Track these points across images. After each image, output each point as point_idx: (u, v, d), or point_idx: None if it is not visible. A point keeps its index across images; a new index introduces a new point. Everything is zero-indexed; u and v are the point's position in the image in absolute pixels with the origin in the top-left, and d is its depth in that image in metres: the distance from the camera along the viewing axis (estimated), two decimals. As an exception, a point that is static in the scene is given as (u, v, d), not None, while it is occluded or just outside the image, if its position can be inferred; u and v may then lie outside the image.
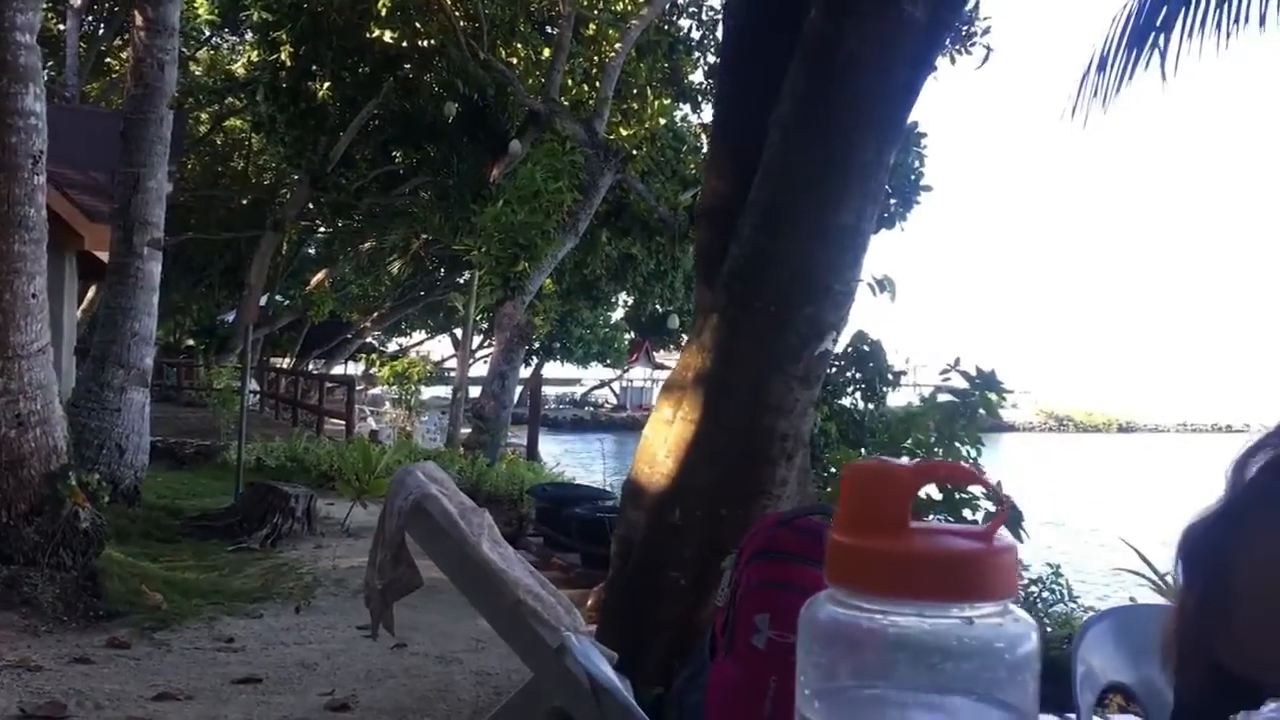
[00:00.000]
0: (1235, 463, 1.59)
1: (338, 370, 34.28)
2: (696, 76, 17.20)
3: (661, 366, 37.63)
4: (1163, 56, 4.66)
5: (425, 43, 15.87)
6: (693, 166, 16.39)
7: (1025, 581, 5.51)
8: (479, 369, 23.73)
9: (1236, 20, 4.63)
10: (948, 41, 10.79)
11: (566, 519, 7.75)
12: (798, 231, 4.00)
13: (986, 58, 9.90)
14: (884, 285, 5.15)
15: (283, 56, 15.70)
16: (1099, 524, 15.49)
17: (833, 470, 5.06)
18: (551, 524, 8.17)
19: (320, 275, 25.82)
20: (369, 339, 34.91)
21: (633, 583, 4.20)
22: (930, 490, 4.79)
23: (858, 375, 7.83)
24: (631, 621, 4.12)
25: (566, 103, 16.02)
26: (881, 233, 12.33)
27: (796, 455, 4.18)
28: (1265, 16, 4.74)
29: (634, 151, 15.66)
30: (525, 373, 23.87)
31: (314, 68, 16.02)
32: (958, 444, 4.59)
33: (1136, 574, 5.51)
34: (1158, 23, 4.65)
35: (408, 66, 16.62)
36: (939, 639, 0.65)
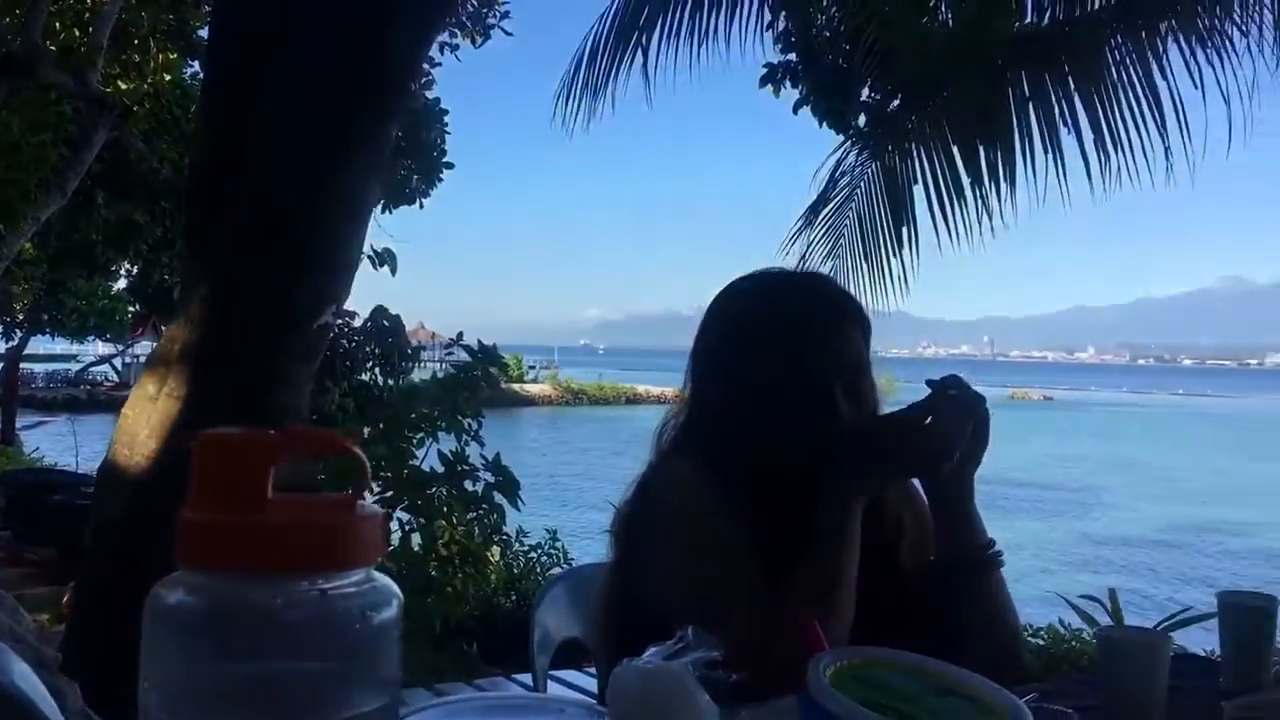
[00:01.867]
0: (656, 433, 1.75)
1: None
2: (205, 31, 16.11)
3: (172, 341, 34.72)
4: (645, 55, 5.05)
5: None
6: (203, 128, 15.29)
7: (526, 547, 5.78)
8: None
9: (706, 34, 5.13)
10: (468, 22, 10.95)
11: (42, 509, 6.99)
12: (295, 201, 3.86)
13: (486, 36, 10.12)
14: (384, 258, 5.13)
15: None
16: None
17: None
18: (25, 515, 7.33)
19: None
20: None
21: (112, 575, 3.86)
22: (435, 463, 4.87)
23: (377, 350, 7.74)
24: (114, 618, 3.78)
25: (54, 48, 14.32)
26: (404, 208, 12.17)
27: (295, 432, 4.04)
28: (730, 38, 5.32)
29: (134, 107, 14.34)
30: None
31: None
32: (459, 416, 4.71)
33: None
34: (641, 21, 5.02)
35: None
36: (294, 613, 0.63)
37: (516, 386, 43.05)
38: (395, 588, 0.68)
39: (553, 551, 5.57)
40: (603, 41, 5.25)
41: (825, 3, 6.28)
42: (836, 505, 1.54)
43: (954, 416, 1.55)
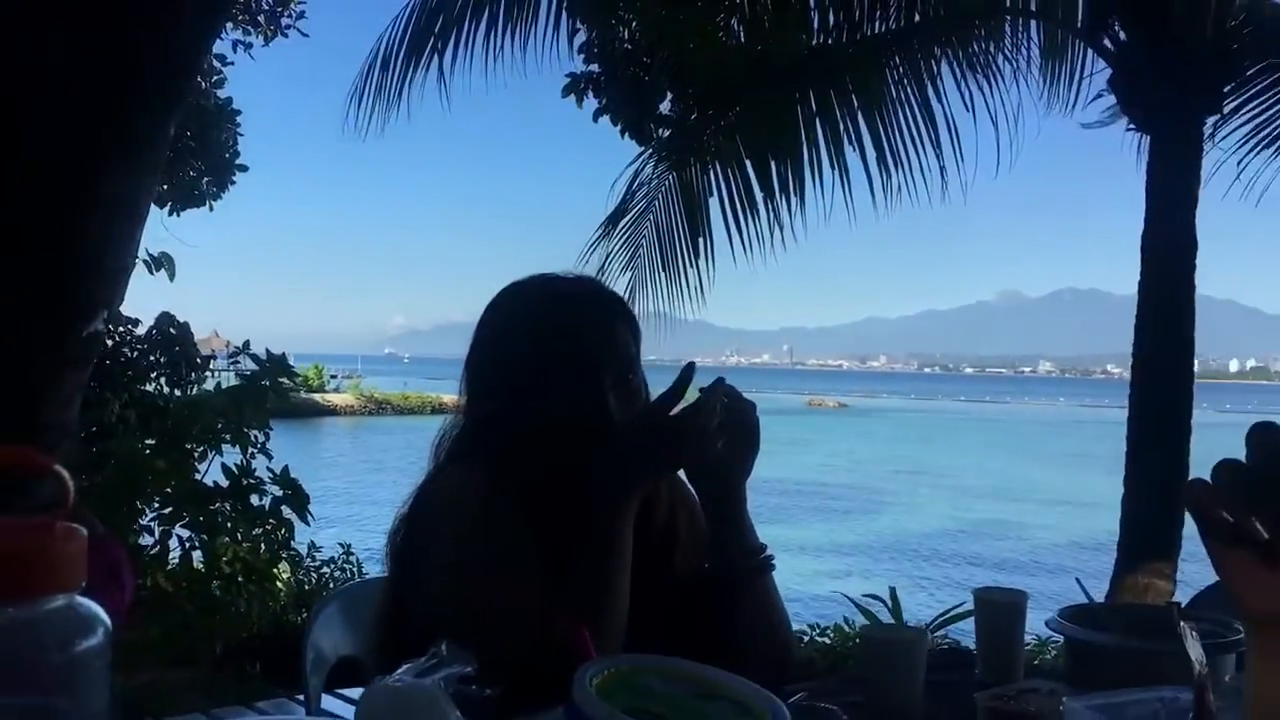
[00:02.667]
0: (434, 443, 1.72)
1: None
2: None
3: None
4: (440, 60, 5.00)
5: None
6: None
7: (318, 563, 5.60)
8: None
9: (501, 48, 5.13)
10: (262, 20, 10.54)
11: None
12: (63, 200, 3.62)
13: (283, 34, 9.81)
14: (160, 262, 4.88)
15: None
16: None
17: (113, 461, 4.69)
18: None
19: None
20: None
21: None
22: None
23: (162, 359, 7.33)
24: None
25: None
26: (193, 210, 11.61)
27: (60, 446, 3.79)
28: (528, 47, 5.34)
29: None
30: None
31: None
32: (245, 428, 4.52)
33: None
34: (437, 28, 4.96)
35: None
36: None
37: (317, 396, 41.75)
38: (102, 615, 0.63)
39: (347, 566, 5.42)
40: (397, 45, 5.16)
41: (626, 15, 6.35)
42: (607, 507, 1.54)
43: (710, 414, 1.57)
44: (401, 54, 5.16)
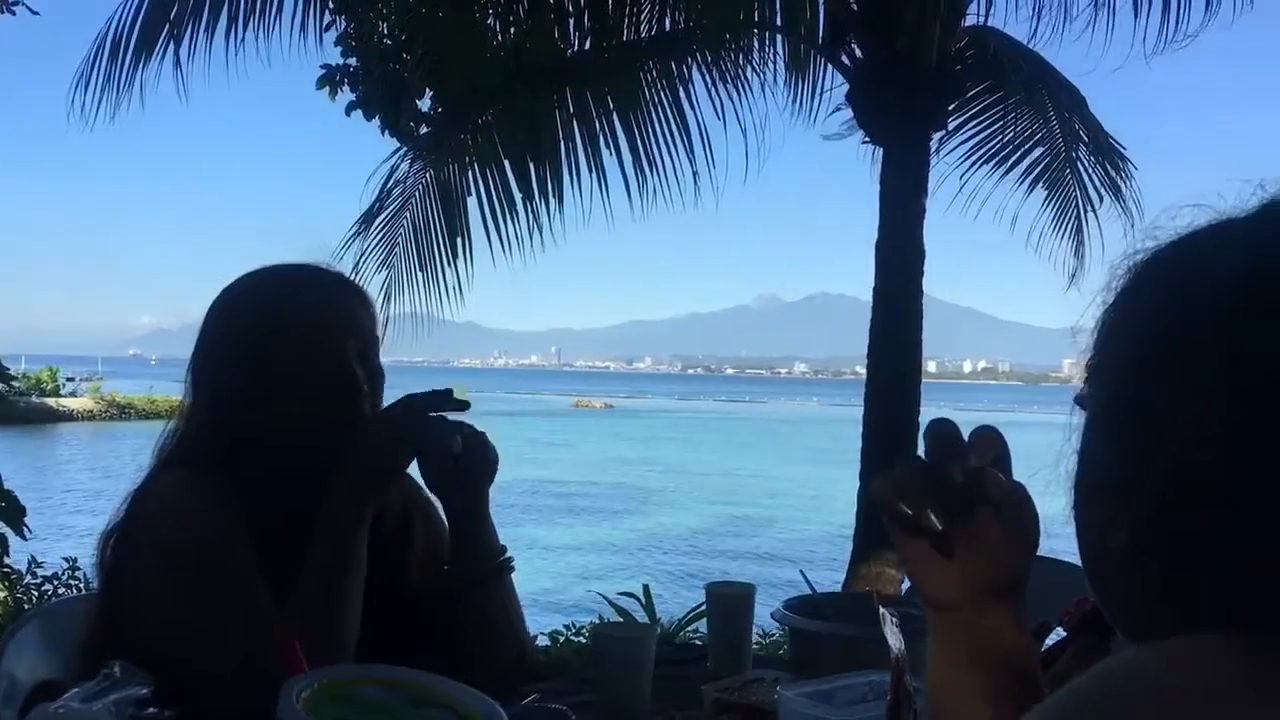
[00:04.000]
0: (154, 448, 1.62)
1: None
2: None
3: None
4: (178, 48, 4.72)
5: None
6: None
7: (39, 579, 5.18)
8: None
9: (241, 41, 4.91)
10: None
11: None
12: None
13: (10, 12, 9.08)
14: None
15: None
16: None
17: None
18: None
19: None
20: None
21: None
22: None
23: None
24: None
25: None
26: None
27: None
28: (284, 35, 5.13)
29: None
30: None
31: None
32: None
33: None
34: (171, 14, 4.68)
35: None
36: None
37: (51, 401, 38.77)
38: None
39: (72, 583, 5.04)
40: (127, 29, 4.83)
41: (383, 8, 6.21)
42: (337, 515, 1.49)
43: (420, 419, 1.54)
44: (134, 39, 4.83)
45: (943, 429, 0.88)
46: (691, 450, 36.30)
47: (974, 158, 5.93)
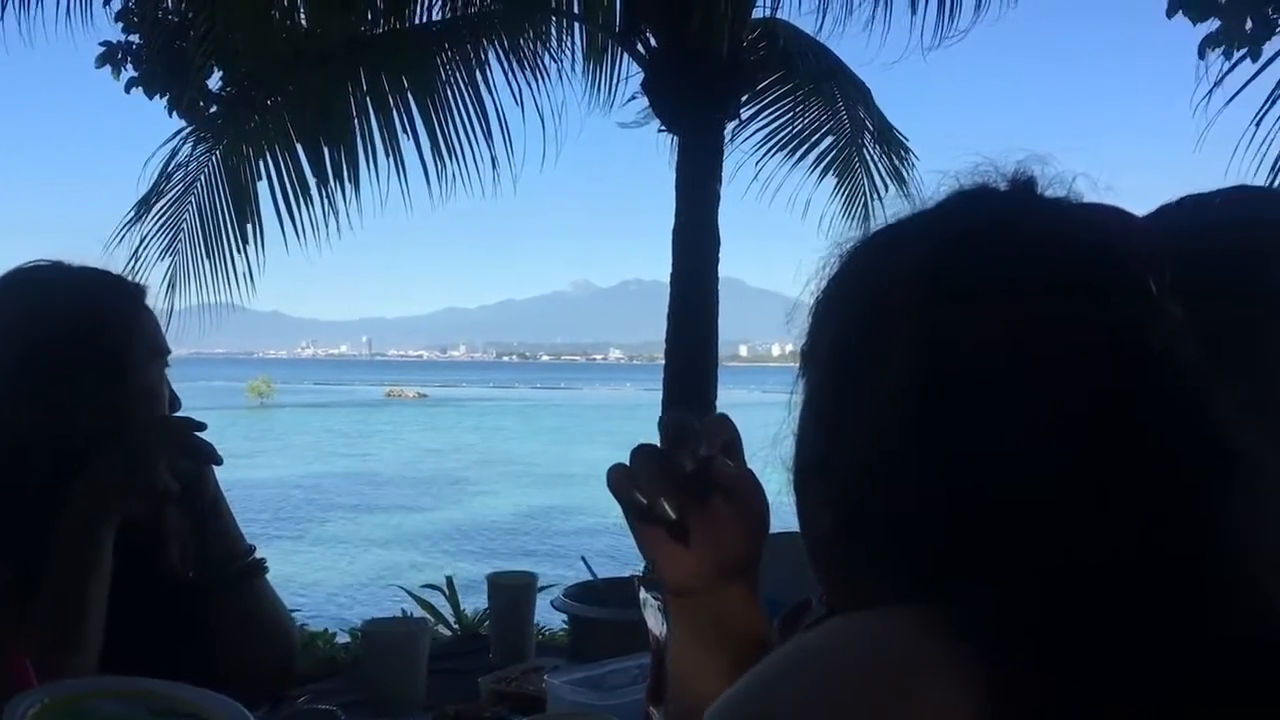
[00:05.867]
0: None
1: None
2: None
3: None
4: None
5: None
6: None
7: None
8: None
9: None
10: None
11: None
12: None
13: None
14: None
15: None
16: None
17: None
18: None
19: None
20: None
21: None
22: None
23: None
24: None
25: None
26: None
27: None
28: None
29: None
30: None
31: None
32: None
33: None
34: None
35: None
36: None
37: None
38: None
39: None
40: None
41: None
42: (80, 522, 1.41)
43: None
44: None
45: (676, 419, 0.89)
46: (505, 438, 36.16)
47: (768, 146, 6.10)
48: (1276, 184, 4.48)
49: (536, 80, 5.44)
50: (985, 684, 0.56)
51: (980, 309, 0.64)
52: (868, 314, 0.69)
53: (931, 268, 0.67)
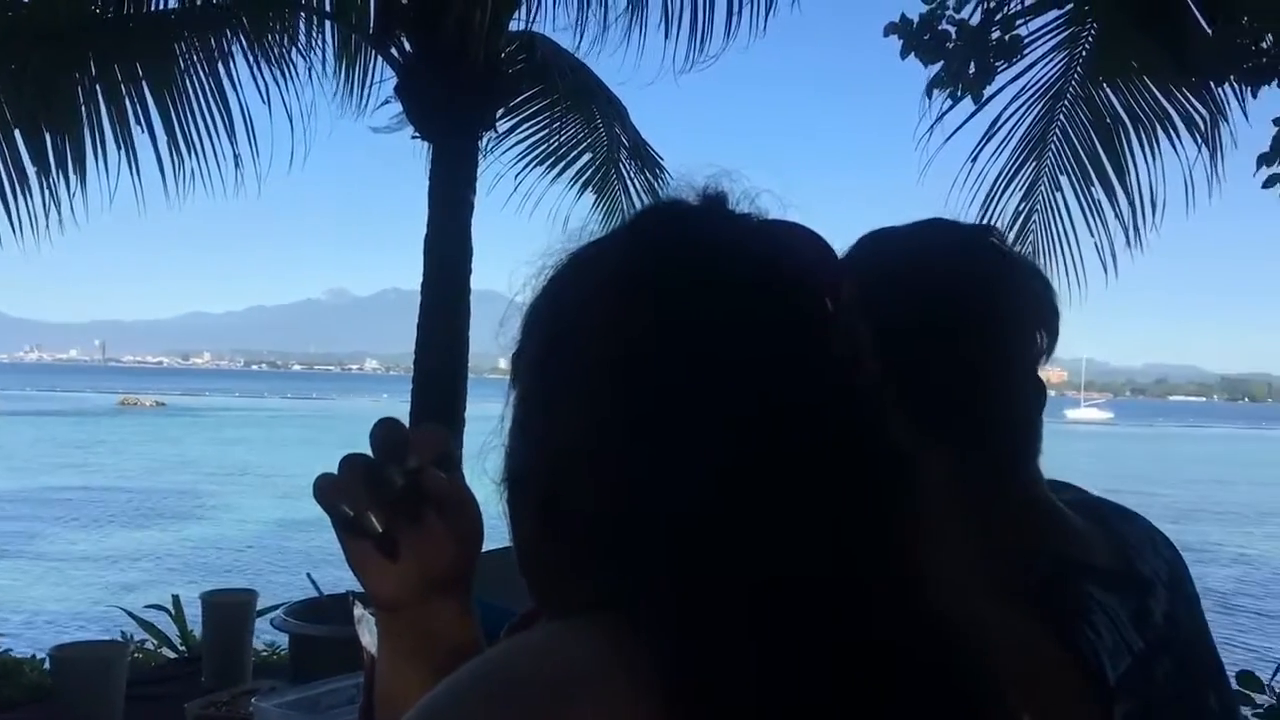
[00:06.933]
0: None
1: None
2: None
3: None
4: None
5: None
6: None
7: None
8: None
9: None
10: None
11: None
12: None
13: None
14: None
15: None
16: None
17: None
18: None
19: None
20: None
21: None
22: None
23: None
24: None
25: None
26: None
27: None
28: None
29: None
30: None
31: None
32: None
33: None
34: None
35: None
36: None
37: None
38: None
39: None
40: None
41: None
42: None
43: None
44: None
45: (384, 428, 0.86)
46: (248, 450, 34.62)
47: (528, 160, 6.11)
48: (987, 218, 4.88)
49: (284, 77, 5.22)
50: (662, 692, 0.57)
51: (668, 319, 0.65)
52: (566, 323, 0.70)
53: (623, 278, 0.68)
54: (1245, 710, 3.29)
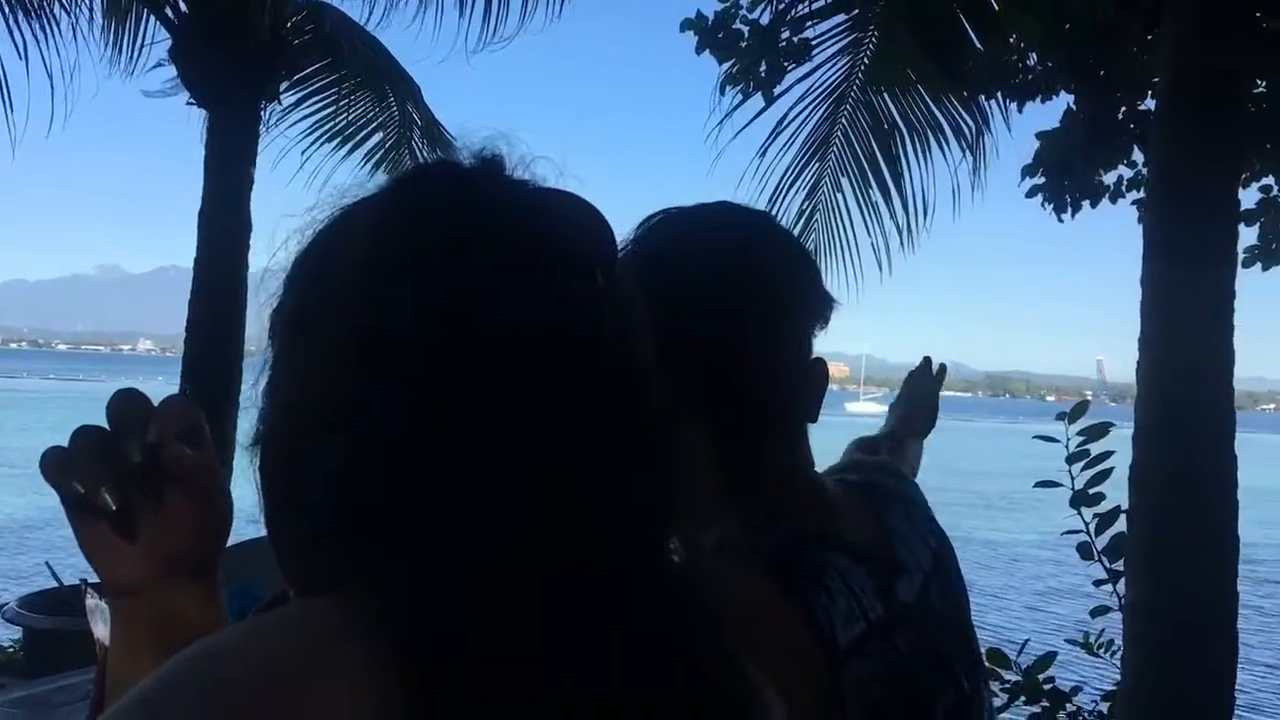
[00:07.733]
0: None
1: None
2: None
3: None
4: None
5: None
6: None
7: None
8: None
9: None
10: None
11: None
12: None
13: None
14: None
15: None
16: None
17: None
18: None
19: None
20: None
21: None
22: None
23: None
24: None
25: None
26: None
27: None
28: None
29: None
30: None
31: None
32: None
33: None
34: None
35: None
36: None
37: None
38: None
39: None
40: None
41: None
42: None
43: None
44: None
45: (123, 400, 0.80)
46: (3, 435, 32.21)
47: (315, 136, 5.89)
48: (775, 209, 5.03)
49: (45, 33, 4.84)
50: (398, 680, 0.54)
51: (422, 277, 0.63)
52: (322, 280, 0.67)
53: (380, 238, 0.65)
54: (994, 685, 3.52)
